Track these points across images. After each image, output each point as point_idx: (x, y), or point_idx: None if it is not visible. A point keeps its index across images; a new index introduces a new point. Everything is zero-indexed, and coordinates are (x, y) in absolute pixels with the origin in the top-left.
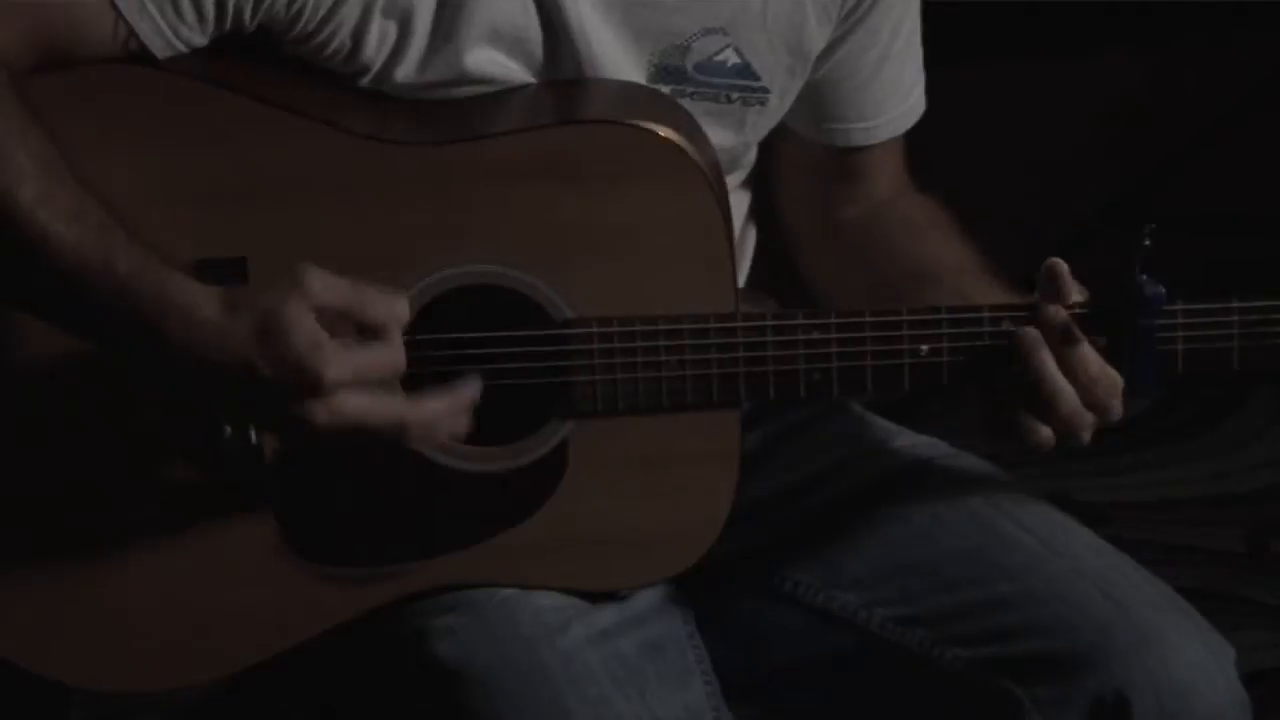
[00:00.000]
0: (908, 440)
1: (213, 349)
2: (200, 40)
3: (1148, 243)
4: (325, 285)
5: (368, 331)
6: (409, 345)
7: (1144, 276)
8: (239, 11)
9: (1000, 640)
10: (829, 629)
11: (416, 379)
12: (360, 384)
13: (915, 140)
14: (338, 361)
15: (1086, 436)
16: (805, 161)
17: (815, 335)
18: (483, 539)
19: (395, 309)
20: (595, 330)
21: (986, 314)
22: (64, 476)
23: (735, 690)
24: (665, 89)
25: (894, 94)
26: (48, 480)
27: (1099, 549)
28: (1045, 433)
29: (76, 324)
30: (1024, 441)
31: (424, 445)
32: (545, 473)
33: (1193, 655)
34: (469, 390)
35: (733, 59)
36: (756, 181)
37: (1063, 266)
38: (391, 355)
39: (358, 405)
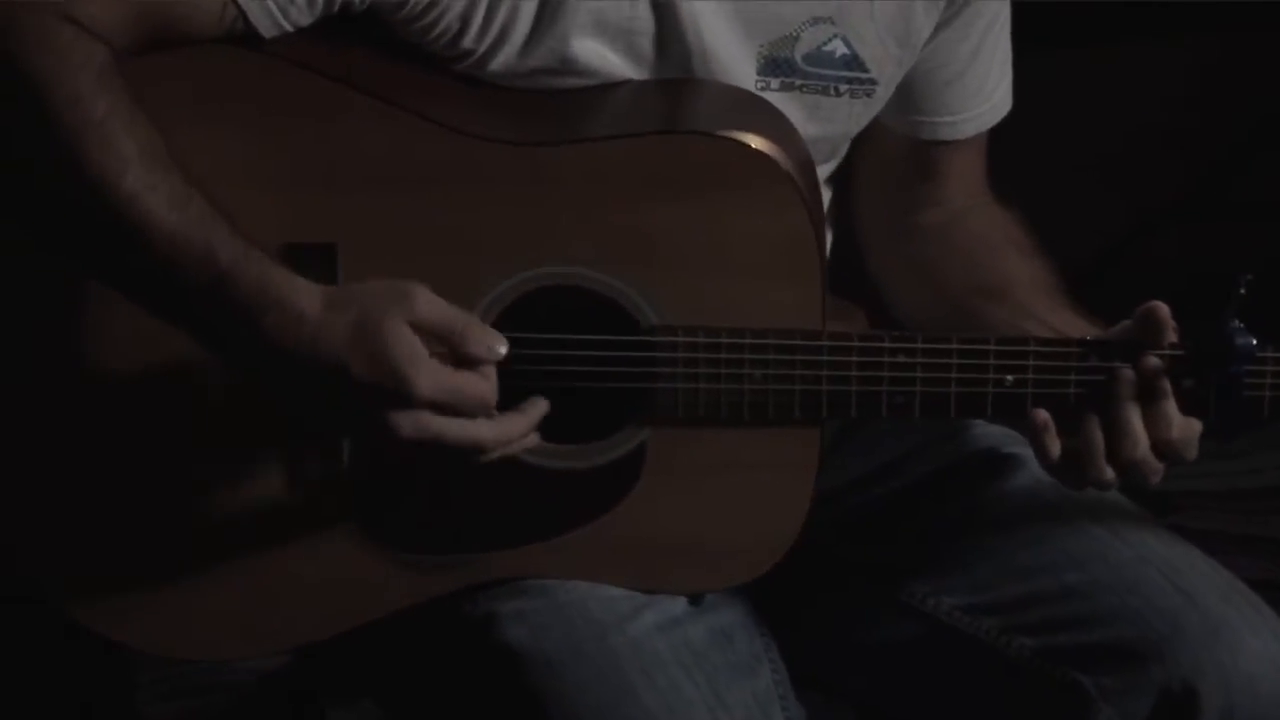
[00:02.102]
0: (978, 429)
1: (308, 344)
2: (307, 20)
3: (1242, 291)
4: (431, 306)
5: (464, 361)
6: None
7: (1236, 324)
8: None
9: (1067, 629)
10: (897, 617)
11: (502, 379)
12: (448, 405)
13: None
14: (433, 378)
15: (1154, 481)
16: (887, 155)
17: (901, 359)
18: (555, 535)
19: (494, 345)
20: (680, 339)
21: (1075, 349)
22: (146, 452)
23: (802, 678)
24: (775, 81)
25: (982, 88)
26: (130, 456)
27: (1167, 539)
28: (1110, 475)
29: (172, 310)
30: (1090, 480)
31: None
32: (622, 474)
33: (1260, 646)
34: (540, 411)
35: (841, 49)
36: (841, 178)
37: (1163, 311)
38: (484, 388)
39: (442, 424)
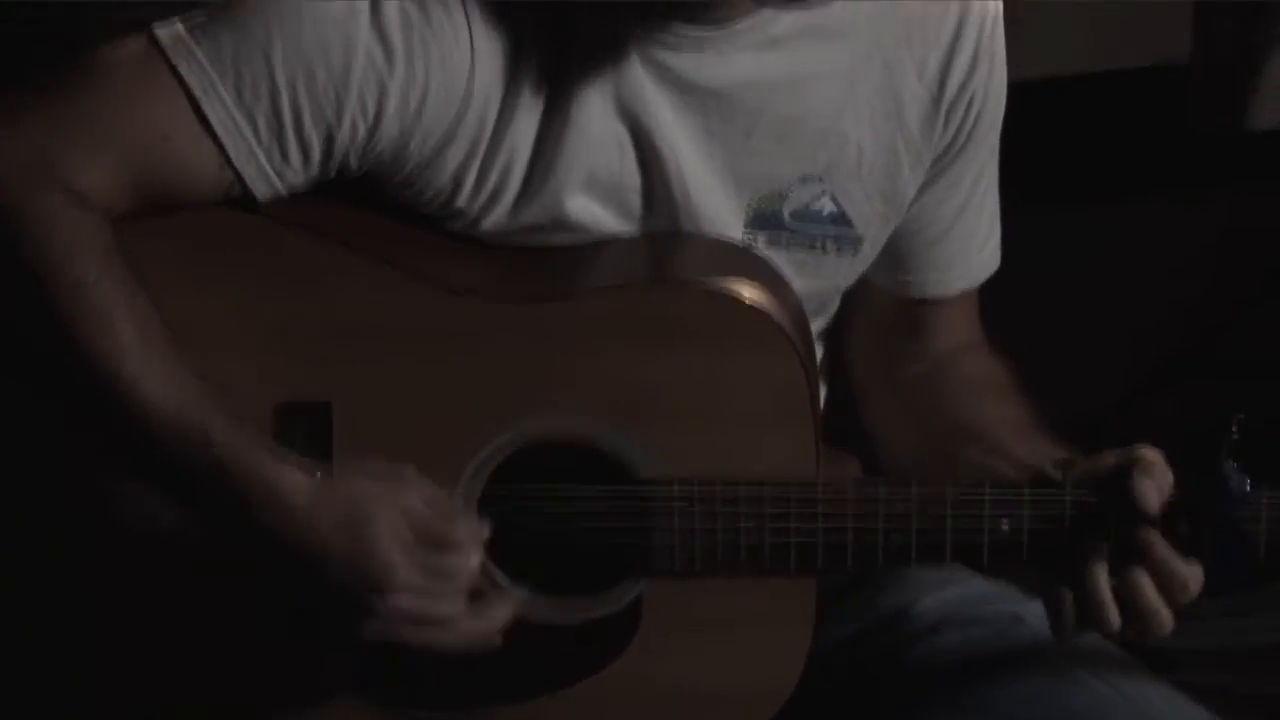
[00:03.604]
0: (975, 583)
1: (294, 535)
2: (302, 184)
3: (1235, 432)
4: (420, 493)
5: (446, 545)
6: (491, 498)
7: (1231, 465)
8: (346, 157)
9: None
10: None
11: (496, 533)
12: (425, 593)
13: (982, 288)
14: (411, 568)
15: (1161, 631)
16: (877, 312)
17: (896, 507)
18: (549, 690)
19: (477, 530)
20: (676, 490)
21: (1069, 496)
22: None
23: None
24: (762, 236)
25: (970, 245)
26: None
27: (1169, 695)
28: (1116, 620)
29: (166, 484)
30: (1094, 627)
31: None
32: (620, 627)
33: None
34: (512, 606)
35: (829, 207)
36: (832, 333)
37: (1155, 460)
38: (464, 571)
39: (410, 633)
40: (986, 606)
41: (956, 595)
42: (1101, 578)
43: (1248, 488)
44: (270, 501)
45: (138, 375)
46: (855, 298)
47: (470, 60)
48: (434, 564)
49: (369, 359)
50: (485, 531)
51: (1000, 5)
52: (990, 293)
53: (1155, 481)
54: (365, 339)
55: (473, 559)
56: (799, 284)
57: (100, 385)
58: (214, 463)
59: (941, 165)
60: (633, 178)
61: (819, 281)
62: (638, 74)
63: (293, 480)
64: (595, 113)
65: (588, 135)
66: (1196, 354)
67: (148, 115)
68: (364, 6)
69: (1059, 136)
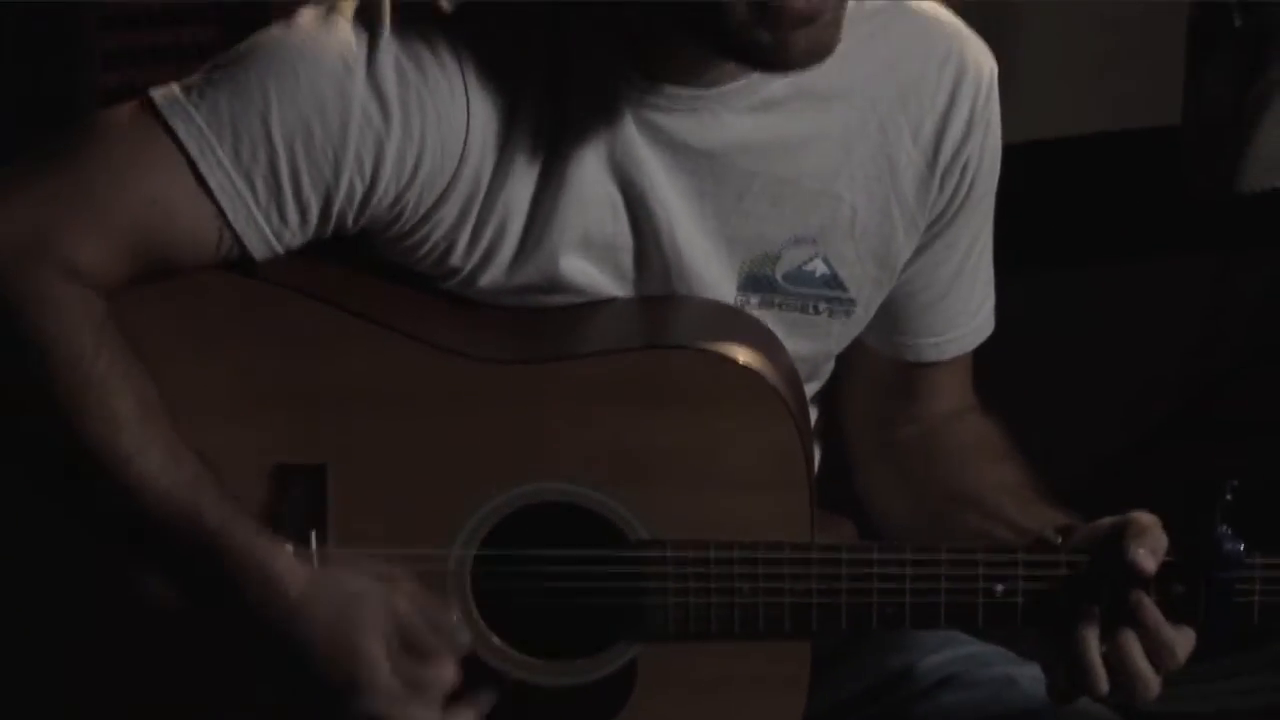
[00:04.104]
0: (975, 645)
1: (281, 624)
2: (299, 243)
3: (1229, 497)
4: (409, 597)
5: (428, 657)
6: (486, 560)
7: (1224, 529)
8: (343, 215)
9: None
10: None
11: (491, 595)
12: (402, 699)
13: (976, 350)
14: (392, 673)
15: (1147, 695)
16: (871, 375)
17: (890, 569)
18: None
19: (459, 638)
20: (669, 554)
21: (1063, 558)
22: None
23: None
24: (754, 298)
25: (965, 310)
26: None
27: None
28: (1103, 686)
29: (159, 562)
30: (1085, 692)
31: None
32: (612, 691)
33: None
34: (485, 707)
35: (821, 269)
36: (826, 396)
37: (1149, 524)
38: (441, 684)
39: (390, 714)
40: (982, 669)
41: (952, 657)
42: (1091, 641)
43: (1241, 551)
44: (263, 585)
45: (134, 451)
46: (850, 359)
47: (466, 118)
48: (415, 674)
49: (365, 421)
50: (467, 641)
51: (995, 70)
52: (984, 353)
53: (1149, 545)
54: (361, 401)
55: (450, 672)
56: (792, 347)
57: (96, 460)
58: (208, 542)
59: (936, 229)
60: (625, 239)
61: (812, 344)
62: (632, 134)
63: (287, 566)
64: (590, 173)
65: (582, 196)
66: (1190, 415)
67: (145, 181)
68: (360, 63)
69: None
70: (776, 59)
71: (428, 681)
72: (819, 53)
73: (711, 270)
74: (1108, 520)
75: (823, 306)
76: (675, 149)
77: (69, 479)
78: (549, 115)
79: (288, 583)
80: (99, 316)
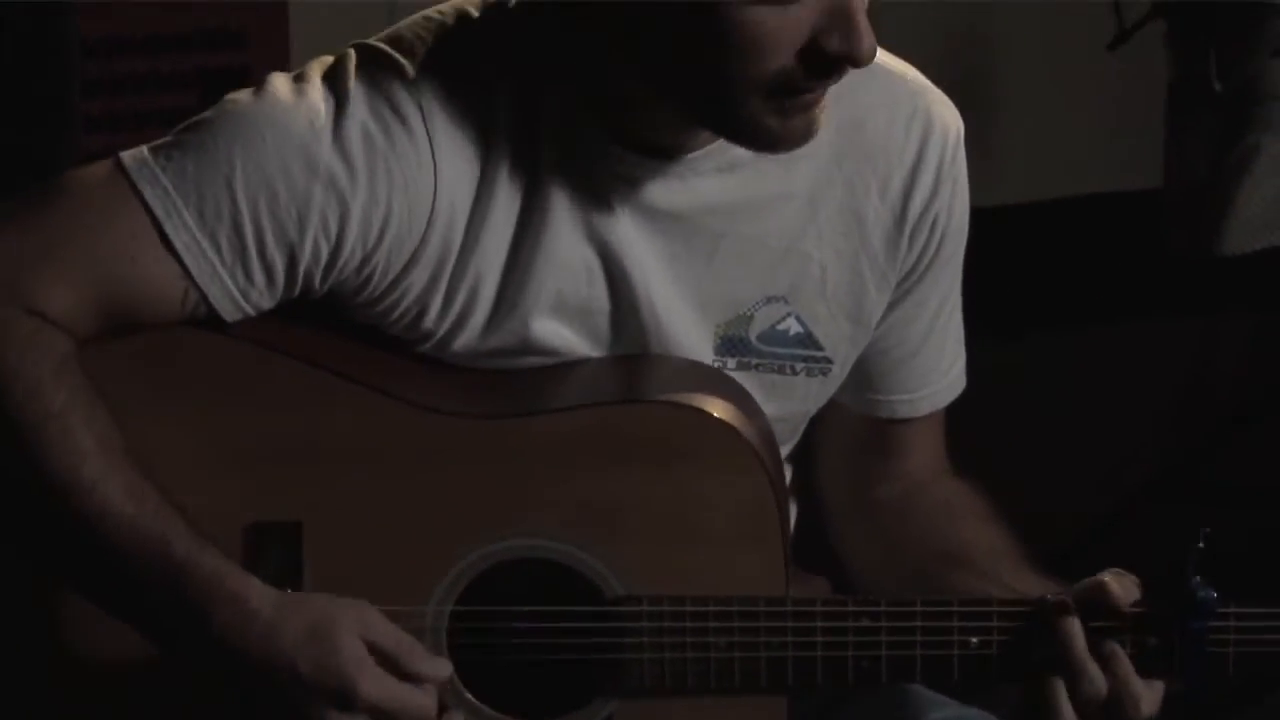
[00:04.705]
0: (953, 711)
1: (258, 642)
2: (268, 304)
3: (1202, 546)
4: (383, 625)
5: (409, 678)
6: (462, 617)
7: (1197, 579)
8: (309, 276)
9: None
10: None
11: (464, 650)
12: (387, 714)
13: (959, 414)
14: (376, 683)
15: None
16: (845, 432)
17: (865, 623)
18: None
19: (439, 667)
20: (645, 609)
21: (1037, 610)
22: None
23: None
24: (731, 361)
25: (937, 367)
26: None
27: None
28: None
29: (124, 603)
30: None
31: None
32: None
33: None
34: None
35: (795, 328)
36: (801, 454)
37: (1121, 573)
38: (425, 705)
39: None
40: None
41: None
42: (1061, 693)
43: (1215, 600)
44: (234, 609)
45: (96, 480)
46: (823, 417)
47: (434, 183)
48: (396, 692)
49: (339, 478)
50: (447, 670)
51: (962, 128)
52: (967, 414)
53: (1121, 582)
54: (336, 458)
55: (431, 700)
56: (770, 408)
57: (58, 492)
58: (175, 569)
59: (907, 286)
60: (602, 302)
61: (790, 405)
62: (606, 198)
63: (258, 590)
64: (565, 237)
65: (557, 260)
66: (1174, 477)
67: (113, 238)
68: (326, 126)
69: (1036, 261)
70: (780, 142)
71: (410, 701)
72: (814, 132)
73: (688, 334)
74: (1086, 580)
75: (799, 366)
76: (646, 212)
77: (32, 511)
78: (521, 179)
79: (260, 603)
80: (61, 354)
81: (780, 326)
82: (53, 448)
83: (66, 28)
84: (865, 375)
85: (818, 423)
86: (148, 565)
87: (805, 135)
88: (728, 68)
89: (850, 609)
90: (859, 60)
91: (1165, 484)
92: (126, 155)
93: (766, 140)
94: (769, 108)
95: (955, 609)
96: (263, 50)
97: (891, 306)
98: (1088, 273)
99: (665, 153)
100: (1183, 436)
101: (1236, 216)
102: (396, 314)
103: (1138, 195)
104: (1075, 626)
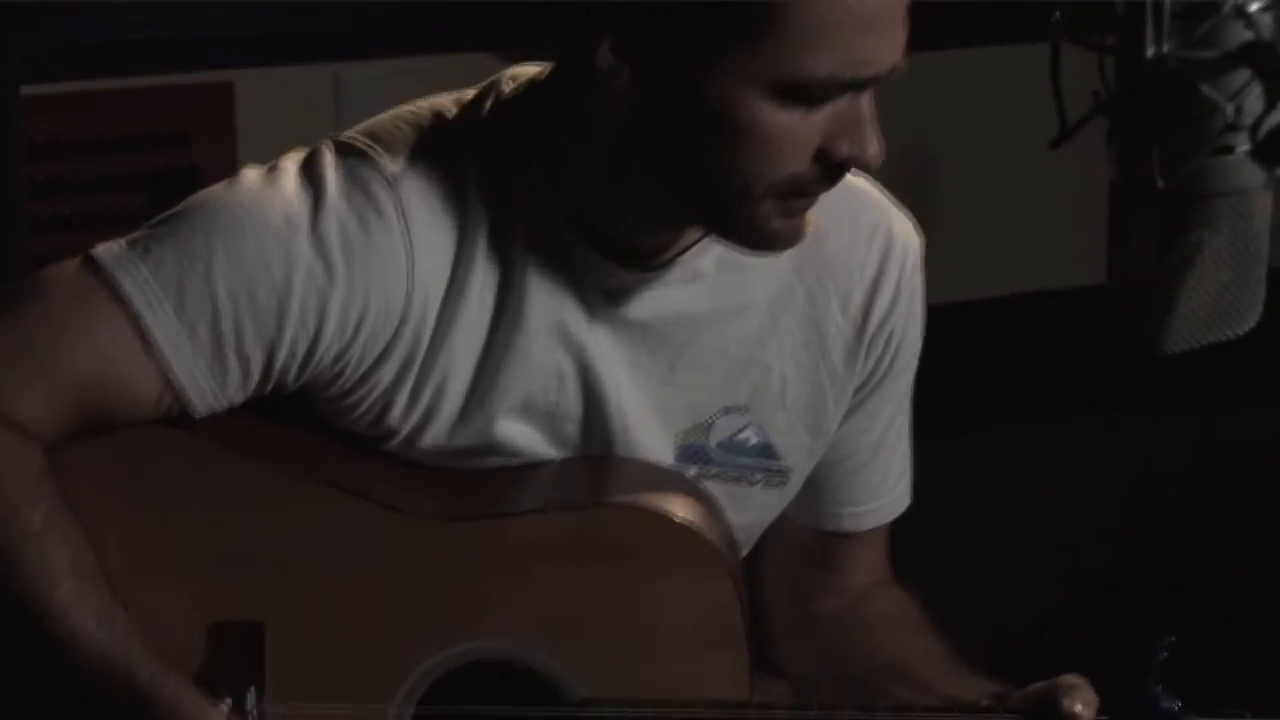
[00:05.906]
0: None
1: None
2: (239, 399)
3: (1165, 655)
4: None
5: None
6: (422, 718)
7: (1159, 689)
8: (285, 371)
9: None
10: None
11: None
12: None
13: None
14: None
15: None
16: (788, 544)
17: None
18: None
19: None
20: (608, 712)
21: (1003, 717)
22: None
23: None
24: (692, 469)
25: (884, 481)
26: None
27: None
28: None
29: (85, 713)
30: None
31: None
32: None
33: None
34: None
35: (754, 438)
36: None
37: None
38: None
39: None
40: None
41: None
42: None
43: (1177, 710)
44: None
45: (70, 604)
46: (768, 531)
47: (409, 278)
48: None
49: (303, 578)
50: None
51: (921, 245)
52: (921, 511)
53: (1084, 699)
54: (300, 558)
55: None
56: (729, 518)
57: (32, 614)
58: (138, 694)
59: (861, 397)
60: (573, 408)
61: (748, 515)
62: (581, 305)
63: (218, 715)
64: (539, 341)
65: (529, 362)
66: (1123, 573)
67: (87, 336)
68: (304, 222)
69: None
70: (777, 242)
71: None
72: (804, 235)
73: (652, 442)
74: (1039, 684)
75: (758, 476)
76: (618, 320)
77: (5, 627)
78: (495, 278)
79: None
80: (37, 469)
81: (739, 436)
82: (28, 568)
83: (12, 130)
84: (813, 486)
85: (763, 536)
86: (112, 690)
87: (798, 236)
88: (748, 168)
89: (814, 714)
90: (868, 165)
91: (1115, 579)
92: (100, 250)
93: (765, 240)
94: (776, 209)
95: (918, 714)
96: (209, 148)
97: (847, 415)
98: (1034, 369)
99: (639, 259)
100: (1132, 531)
101: (1179, 313)
102: (362, 409)
103: (1083, 291)
104: None
